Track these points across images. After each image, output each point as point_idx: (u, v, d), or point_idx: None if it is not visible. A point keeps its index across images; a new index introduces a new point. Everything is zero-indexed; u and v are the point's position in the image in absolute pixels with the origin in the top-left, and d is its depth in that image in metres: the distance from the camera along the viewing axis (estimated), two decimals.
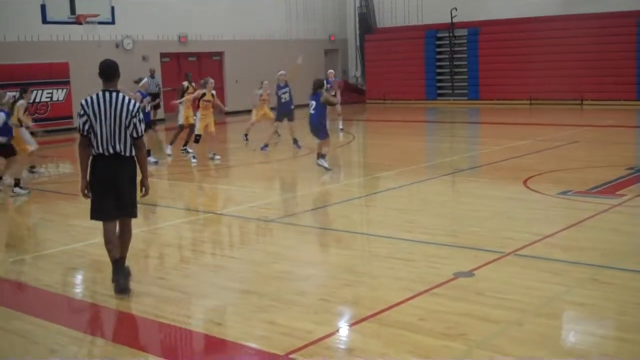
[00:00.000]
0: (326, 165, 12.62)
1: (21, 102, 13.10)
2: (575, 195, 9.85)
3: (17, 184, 11.85)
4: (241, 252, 7.87)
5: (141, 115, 6.29)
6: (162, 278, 6.80)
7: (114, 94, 6.16)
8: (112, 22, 18.06)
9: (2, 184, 12.15)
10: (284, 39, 29.21)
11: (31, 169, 14.13)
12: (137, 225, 8.12)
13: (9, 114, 12.01)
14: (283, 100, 16.42)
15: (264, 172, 14.02)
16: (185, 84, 16.92)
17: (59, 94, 21.91)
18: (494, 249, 7.21)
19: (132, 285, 6.41)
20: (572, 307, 5.70)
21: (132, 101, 6.25)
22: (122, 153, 6.15)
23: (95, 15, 17.26)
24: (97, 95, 6.15)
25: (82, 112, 6.14)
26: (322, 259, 7.41)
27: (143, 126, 6.31)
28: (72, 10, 17.02)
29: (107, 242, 6.34)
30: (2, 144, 11.59)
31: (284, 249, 7.73)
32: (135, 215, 6.46)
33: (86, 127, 6.12)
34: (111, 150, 6.12)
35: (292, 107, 16.64)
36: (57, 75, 21.78)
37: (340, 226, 8.84)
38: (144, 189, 6.39)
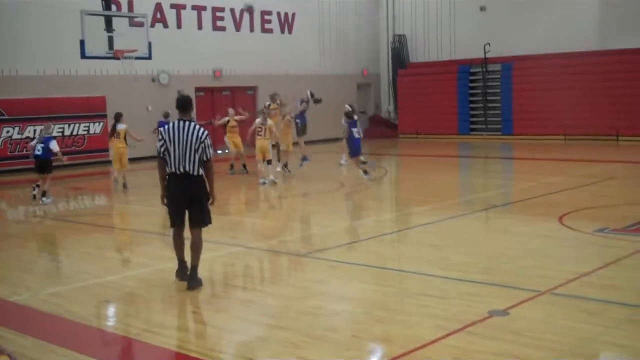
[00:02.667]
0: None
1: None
2: (612, 232, 9.68)
3: (43, 194, 14.16)
4: (272, 287, 7.86)
5: (209, 141, 7.50)
6: (194, 312, 6.82)
7: (187, 123, 7.46)
8: (149, 58, 18.35)
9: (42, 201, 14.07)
10: (317, 74, 29.45)
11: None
12: (171, 259, 8.19)
13: (52, 139, 14.44)
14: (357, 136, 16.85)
15: (296, 205, 14.04)
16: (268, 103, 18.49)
17: (95, 127, 22.27)
18: (529, 287, 7.10)
19: (166, 318, 6.42)
20: (609, 349, 5.57)
21: (202, 129, 7.48)
22: (191, 172, 7.38)
23: (133, 51, 17.55)
24: (174, 123, 7.48)
25: (160, 137, 7.50)
26: (354, 295, 7.36)
27: (211, 150, 7.52)
28: (110, 45, 17.33)
29: (174, 242, 7.74)
30: (47, 161, 14.11)
31: (315, 284, 7.70)
32: (203, 225, 7.64)
33: (162, 149, 7.43)
34: (181, 170, 7.37)
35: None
36: (94, 109, 22.18)
37: (372, 262, 8.79)
38: (210, 199, 7.60)
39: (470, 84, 28.94)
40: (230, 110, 19.09)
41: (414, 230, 10.99)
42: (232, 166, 18.46)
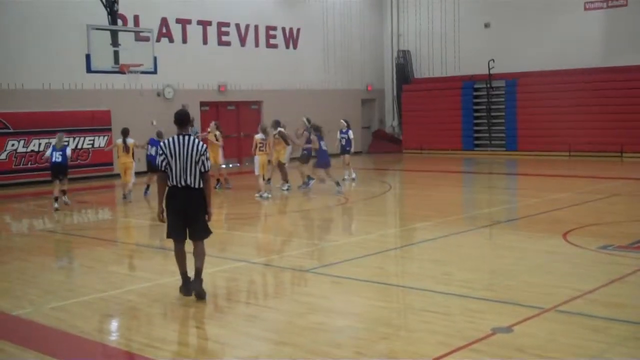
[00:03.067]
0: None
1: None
2: (616, 249, 9.66)
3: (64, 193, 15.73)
4: (276, 302, 7.84)
5: (208, 154, 7.67)
6: (197, 327, 6.80)
7: (186, 137, 7.59)
8: (155, 72, 18.42)
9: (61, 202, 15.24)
10: (322, 89, 29.54)
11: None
12: (173, 274, 8.18)
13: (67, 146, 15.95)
14: (342, 143, 19.48)
15: (299, 220, 14.03)
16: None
17: (100, 141, 22.33)
18: (533, 304, 7.07)
19: (168, 333, 6.41)
20: None
21: (201, 143, 7.65)
22: (192, 185, 7.50)
23: (139, 65, 17.62)
24: (174, 138, 7.57)
25: (161, 152, 7.57)
26: (357, 311, 7.34)
27: (209, 163, 7.72)
28: (116, 60, 17.40)
29: (176, 257, 7.76)
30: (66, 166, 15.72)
31: (319, 300, 7.68)
32: (204, 237, 7.76)
33: (164, 163, 7.53)
34: (183, 183, 7.48)
35: (347, 148, 19.54)
36: (99, 123, 22.27)
37: (376, 277, 8.77)
38: (207, 215, 7.67)
39: (475, 100, 29.00)
40: (212, 125, 18.85)
41: (417, 246, 10.97)
42: (218, 180, 18.35)
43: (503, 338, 6.08)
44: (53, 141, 16.28)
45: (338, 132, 19.86)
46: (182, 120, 7.76)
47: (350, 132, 19.62)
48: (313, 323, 6.77)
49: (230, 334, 6.63)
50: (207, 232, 7.79)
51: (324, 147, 16.86)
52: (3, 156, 20.53)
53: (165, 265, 9.60)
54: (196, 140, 7.62)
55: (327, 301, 7.63)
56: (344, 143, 19.48)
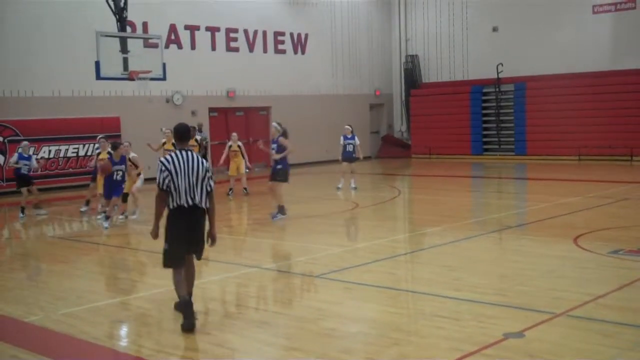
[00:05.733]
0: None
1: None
2: (626, 254, 9.61)
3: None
4: (286, 308, 7.83)
5: (211, 173, 7.07)
6: (208, 333, 6.80)
7: (189, 153, 6.98)
8: (164, 79, 18.46)
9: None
10: (330, 94, 29.57)
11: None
12: None
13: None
14: (348, 149, 18.53)
15: (309, 226, 14.01)
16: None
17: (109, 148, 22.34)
18: (545, 309, 7.05)
19: (178, 339, 6.42)
20: None
21: (202, 160, 7.02)
22: (199, 204, 6.88)
23: (148, 72, 17.65)
24: (176, 154, 6.93)
25: (163, 168, 6.87)
26: (368, 316, 7.32)
27: (213, 183, 7.04)
28: (125, 67, 17.45)
29: (177, 285, 7.00)
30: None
31: (330, 305, 7.67)
32: (199, 259, 7.21)
33: (166, 181, 6.83)
34: (190, 202, 6.84)
35: (353, 155, 18.67)
36: (109, 129, 22.27)
37: (386, 283, 8.75)
38: (210, 239, 7.06)
39: (483, 104, 28.97)
40: (234, 136, 18.88)
41: (427, 251, 10.95)
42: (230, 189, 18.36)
43: (514, 343, 6.06)
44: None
45: (341, 138, 18.84)
46: (183, 135, 7.18)
47: (357, 139, 18.71)
48: (324, 329, 6.76)
49: (241, 340, 6.63)
50: (202, 251, 7.20)
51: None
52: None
53: None
54: (199, 157, 7.03)
55: (338, 307, 7.62)
56: (350, 149, 18.53)
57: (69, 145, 21.57)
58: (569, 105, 26.00)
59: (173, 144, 15.97)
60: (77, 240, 13.01)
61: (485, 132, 29.08)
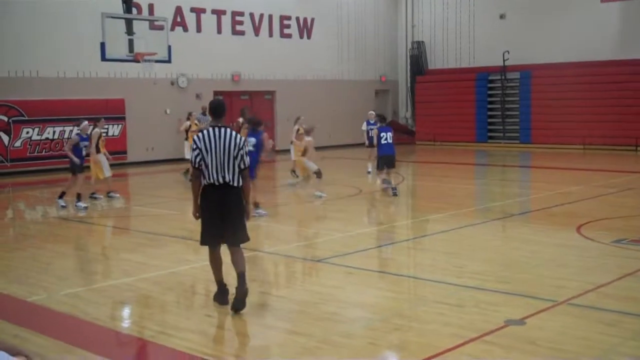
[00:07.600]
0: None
1: (95, 130, 15.27)
2: (630, 243, 9.61)
3: (78, 199, 14.12)
4: (288, 292, 7.86)
5: (247, 148, 6.96)
6: (209, 315, 6.83)
7: (222, 129, 6.81)
8: (169, 61, 18.42)
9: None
10: (335, 79, 29.51)
11: (108, 194, 15.48)
12: (187, 262, 8.21)
13: (86, 139, 14.58)
14: (370, 135, 18.16)
15: (312, 211, 14.04)
16: (241, 120, 17.32)
17: (114, 129, 22.40)
18: (546, 297, 7.06)
19: (181, 321, 6.45)
20: None
21: (239, 135, 6.89)
22: (231, 183, 6.76)
23: (153, 54, 17.62)
24: (208, 130, 6.81)
25: (194, 146, 6.80)
26: (370, 302, 7.34)
27: (248, 158, 6.92)
28: (131, 48, 17.42)
29: (212, 264, 7.03)
30: (75, 164, 14.03)
31: (332, 290, 7.69)
32: (242, 242, 7.00)
33: (198, 159, 6.74)
34: (221, 180, 6.73)
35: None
36: (113, 111, 22.32)
37: (389, 268, 8.77)
38: (245, 215, 6.98)
39: (489, 92, 28.89)
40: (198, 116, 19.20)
41: (430, 238, 10.96)
42: (187, 170, 17.52)
43: (515, 330, 6.07)
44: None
45: (364, 124, 19.94)
46: (218, 110, 7.04)
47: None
48: (326, 313, 6.78)
49: (244, 323, 6.65)
50: (245, 236, 7.01)
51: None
52: (18, 144, 20.64)
53: (179, 254, 9.65)
54: (233, 133, 6.84)
55: (340, 291, 7.64)
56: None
57: (74, 126, 21.50)
58: (575, 94, 25.91)
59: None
60: (82, 222, 13.04)
61: (490, 120, 29.01)
